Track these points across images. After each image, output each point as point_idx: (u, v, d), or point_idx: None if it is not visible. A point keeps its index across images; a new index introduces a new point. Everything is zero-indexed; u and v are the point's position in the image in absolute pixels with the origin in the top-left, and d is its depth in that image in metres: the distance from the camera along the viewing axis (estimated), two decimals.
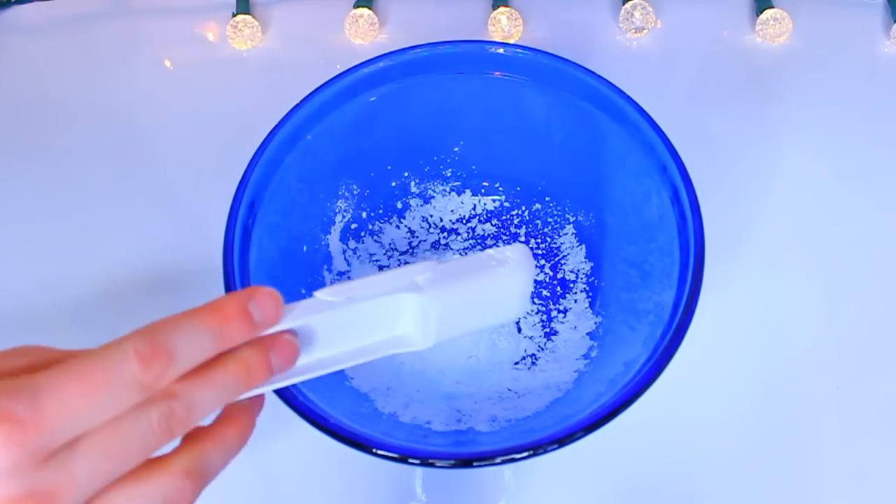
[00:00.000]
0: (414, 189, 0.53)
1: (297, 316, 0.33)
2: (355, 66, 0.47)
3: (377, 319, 0.35)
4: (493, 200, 0.54)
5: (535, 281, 0.51)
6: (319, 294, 0.34)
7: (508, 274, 0.37)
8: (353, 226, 0.52)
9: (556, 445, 0.37)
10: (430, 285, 0.35)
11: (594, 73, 0.46)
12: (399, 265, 0.52)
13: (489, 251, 0.37)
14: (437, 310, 0.35)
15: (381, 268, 0.52)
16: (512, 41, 0.60)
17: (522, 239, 0.53)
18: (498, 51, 0.48)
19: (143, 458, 0.28)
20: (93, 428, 0.27)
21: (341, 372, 0.46)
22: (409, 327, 0.36)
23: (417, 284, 0.35)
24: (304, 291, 0.48)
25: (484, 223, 0.53)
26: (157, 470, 0.29)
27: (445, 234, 0.53)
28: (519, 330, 0.49)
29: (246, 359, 0.30)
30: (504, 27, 0.59)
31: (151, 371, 0.27)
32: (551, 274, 0.52)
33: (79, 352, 0.29)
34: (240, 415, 0.32)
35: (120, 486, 0.28)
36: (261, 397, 0.34)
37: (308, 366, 0.34)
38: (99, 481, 0.27)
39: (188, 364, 0.29)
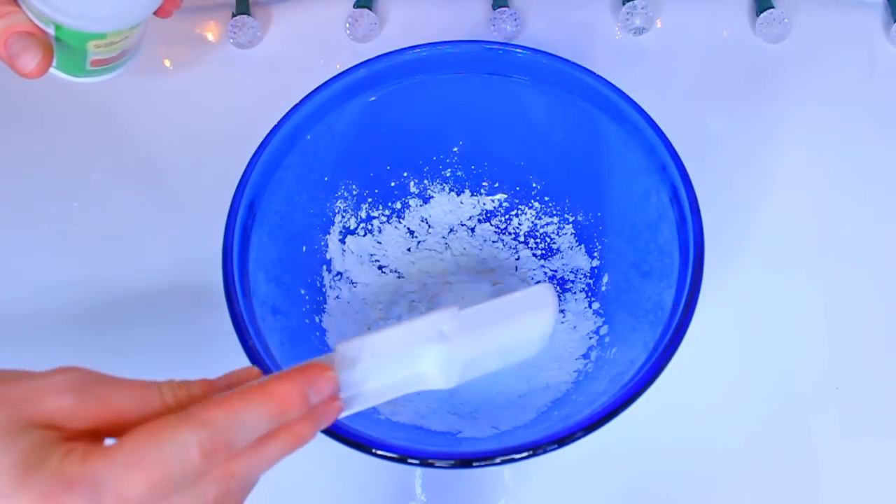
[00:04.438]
0: (413, 189, 0.53)
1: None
2: (355, 66, 0.47)
3: (403, 366, 0.35)
4: (493, 200, 0.54)
5: (535, 281, 0.51)
6: (342, 349, 0.34)
7: (534, 319, 0.37)
8: (352, 226, 0.52)
9: (555, 445, 0.37)
10: (457, 335, 0.35)
11: (594, 73, 0.46)
12: (398, 265, 0.52)
13: (515, 294, 0.37)
14: (463, 357, 0.36)
15: (380, 268, 0.52)
16: (512, 41, 0.59)
17: (522, 239, 0.53)
18: (498, 51, 0.48)
19: None
20: None
21: None
22: (432, 369, 0.36)
23: (444, 334, 0.35)
24: (303, 292, 0.48)
25: (483, 223, 0.53)
26: None
27: (445, 234, 0.53)
28: None
29: (299, 430, 0.32)
30: (504, 27, 0.59)
31: (211, 460, 0.29)
32: (550, 274, 0.52)
33: (128, 386, 0.30)
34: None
35: None
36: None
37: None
38: None
39: (244, 446, 0.30)
